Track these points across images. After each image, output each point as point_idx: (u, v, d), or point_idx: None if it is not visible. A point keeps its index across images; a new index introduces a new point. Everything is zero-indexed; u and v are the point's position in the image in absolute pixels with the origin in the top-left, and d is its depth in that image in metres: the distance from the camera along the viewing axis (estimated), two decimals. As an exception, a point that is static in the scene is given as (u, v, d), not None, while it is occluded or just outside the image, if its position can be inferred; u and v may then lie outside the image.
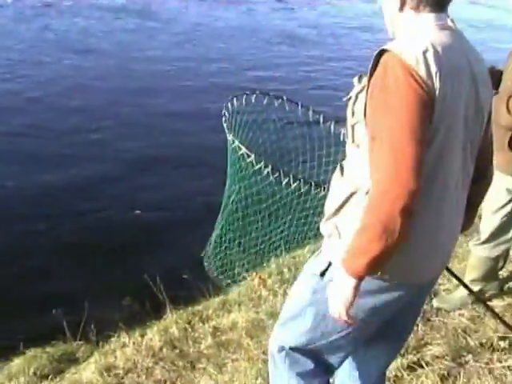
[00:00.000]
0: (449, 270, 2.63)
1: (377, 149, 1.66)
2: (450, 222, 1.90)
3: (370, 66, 1.70)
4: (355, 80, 1.83)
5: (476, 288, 3.67)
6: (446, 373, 2.94)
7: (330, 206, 1.93)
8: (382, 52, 1.68)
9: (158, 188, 7.31)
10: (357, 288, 1.71)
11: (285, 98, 4.27)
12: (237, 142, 3.84)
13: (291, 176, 3.74)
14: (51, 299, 4.64)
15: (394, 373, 2.99)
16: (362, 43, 16.04)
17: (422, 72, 1.61)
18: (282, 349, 2.11)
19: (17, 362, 3.94)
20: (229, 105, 4.11)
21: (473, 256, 3.63)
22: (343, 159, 1.96)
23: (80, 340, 4.00)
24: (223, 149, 4.36)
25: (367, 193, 1.73)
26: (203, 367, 3.43)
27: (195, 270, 4.57)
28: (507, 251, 3.63)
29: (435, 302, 3.71)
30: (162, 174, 7.67)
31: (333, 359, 2.09)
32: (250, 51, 14.67)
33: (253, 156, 3.72)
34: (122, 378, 3.36)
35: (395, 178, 1.59)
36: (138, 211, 6.92)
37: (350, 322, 1.79)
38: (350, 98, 1.81)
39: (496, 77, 3.30)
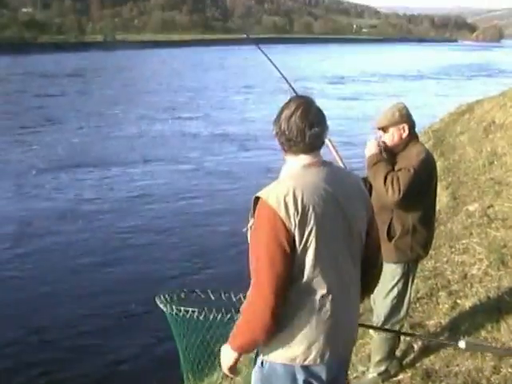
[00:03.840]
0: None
1: (252, 269, 2.33)
2: (344, 313, 2.41)
3: (252, 208, 2.34)
4: (250, 214, 2.40)
5: (382, 368, 4.19)
6: None
7: None
8: (257, 198, 2.32)
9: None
10: (237, 357, 2.42)
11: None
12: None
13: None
14: None
15: None
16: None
17: (283, 213, 2.22)
18: None
19: None
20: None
21: (374, 340, 4.17)
22: None
23: None
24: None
25: None
26: None
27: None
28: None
29: (351, 390, 4.15)
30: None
31: None
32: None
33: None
34: None
35: (258, 294, 2.26)
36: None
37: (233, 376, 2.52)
38: (249, 228, 2.41)
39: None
